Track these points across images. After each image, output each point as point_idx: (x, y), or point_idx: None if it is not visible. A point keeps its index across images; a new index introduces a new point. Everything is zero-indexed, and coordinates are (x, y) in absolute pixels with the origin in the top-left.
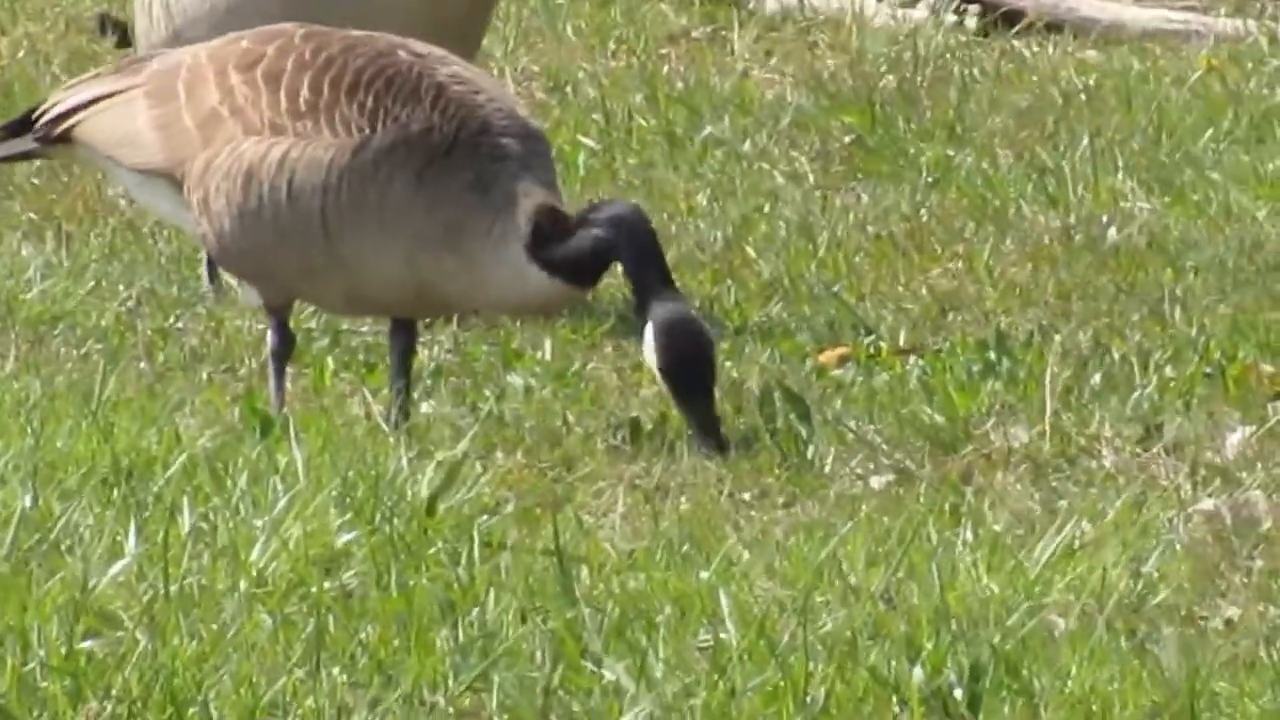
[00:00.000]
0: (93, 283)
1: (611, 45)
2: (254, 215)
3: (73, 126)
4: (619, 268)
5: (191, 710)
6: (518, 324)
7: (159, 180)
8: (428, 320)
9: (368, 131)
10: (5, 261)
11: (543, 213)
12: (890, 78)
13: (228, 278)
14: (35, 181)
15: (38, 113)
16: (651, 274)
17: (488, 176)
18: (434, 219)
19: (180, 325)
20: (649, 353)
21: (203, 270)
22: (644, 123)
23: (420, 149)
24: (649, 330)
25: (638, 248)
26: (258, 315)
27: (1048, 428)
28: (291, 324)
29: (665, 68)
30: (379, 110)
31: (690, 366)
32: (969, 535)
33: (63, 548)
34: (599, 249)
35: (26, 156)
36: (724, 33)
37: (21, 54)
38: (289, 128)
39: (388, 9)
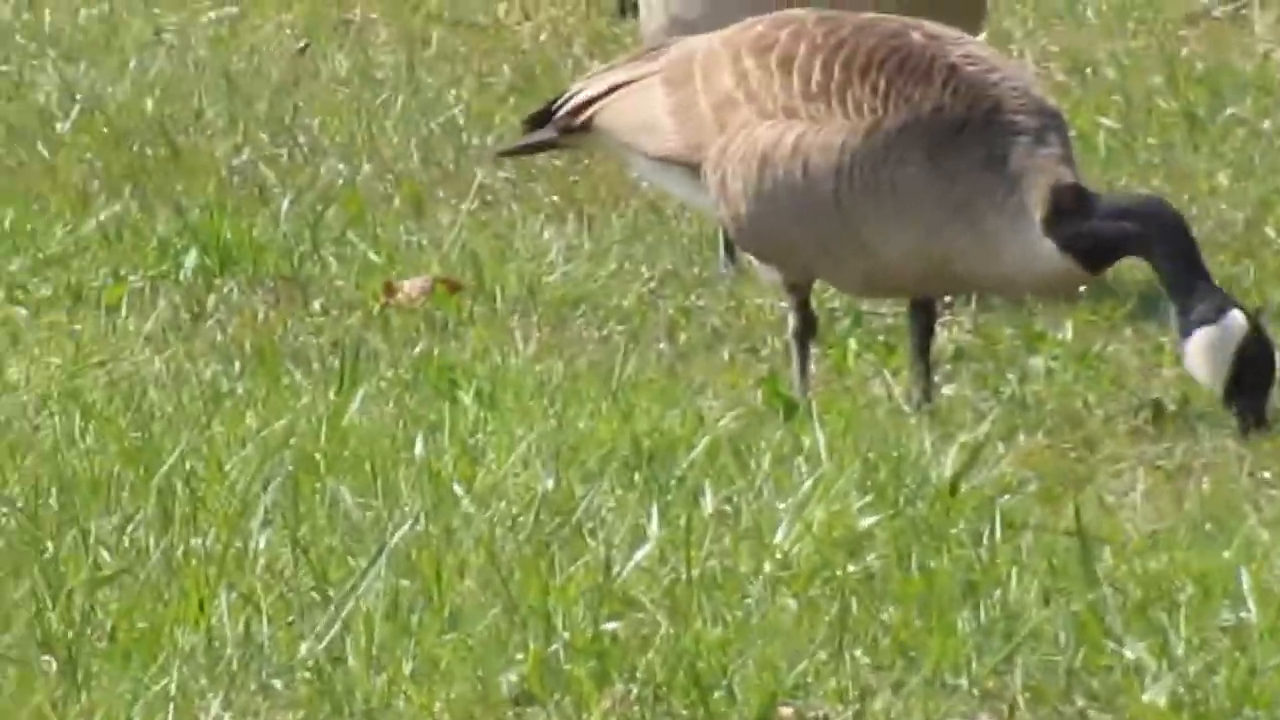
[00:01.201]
0: (615, 264)
1: (1131, 26)
2: (770, 199)
3: (592, 115)
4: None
5: (716, 694)
6: (1039, 306)
7: (676, 166)
8: (948, 300)
9: (880, 113)
10: (528, 244)
11: (1062, 190)
12: None
13: (747, 257)
14: (557, 164)
15: (558, 103)
16: (1194, 273)
17: (1001, 152)
18: (948, 198)
19: (701, 305)
20: (1200, 355)
21: (721, 250)
22: (1164, 104)
23: (932, 128)
24: (1203, 334)
25: (1176, 245)
26: (779, 295)
27: None
28: (813, 304)
29: (1185, 49)
30: (891, 91)
31: (1255, 370)
32: None
33: (585, 530)
34: (1123, 239)
35: (549, 147)
36: (1244, 12)
37: (544, 38)
38: (802, 110)
39: None
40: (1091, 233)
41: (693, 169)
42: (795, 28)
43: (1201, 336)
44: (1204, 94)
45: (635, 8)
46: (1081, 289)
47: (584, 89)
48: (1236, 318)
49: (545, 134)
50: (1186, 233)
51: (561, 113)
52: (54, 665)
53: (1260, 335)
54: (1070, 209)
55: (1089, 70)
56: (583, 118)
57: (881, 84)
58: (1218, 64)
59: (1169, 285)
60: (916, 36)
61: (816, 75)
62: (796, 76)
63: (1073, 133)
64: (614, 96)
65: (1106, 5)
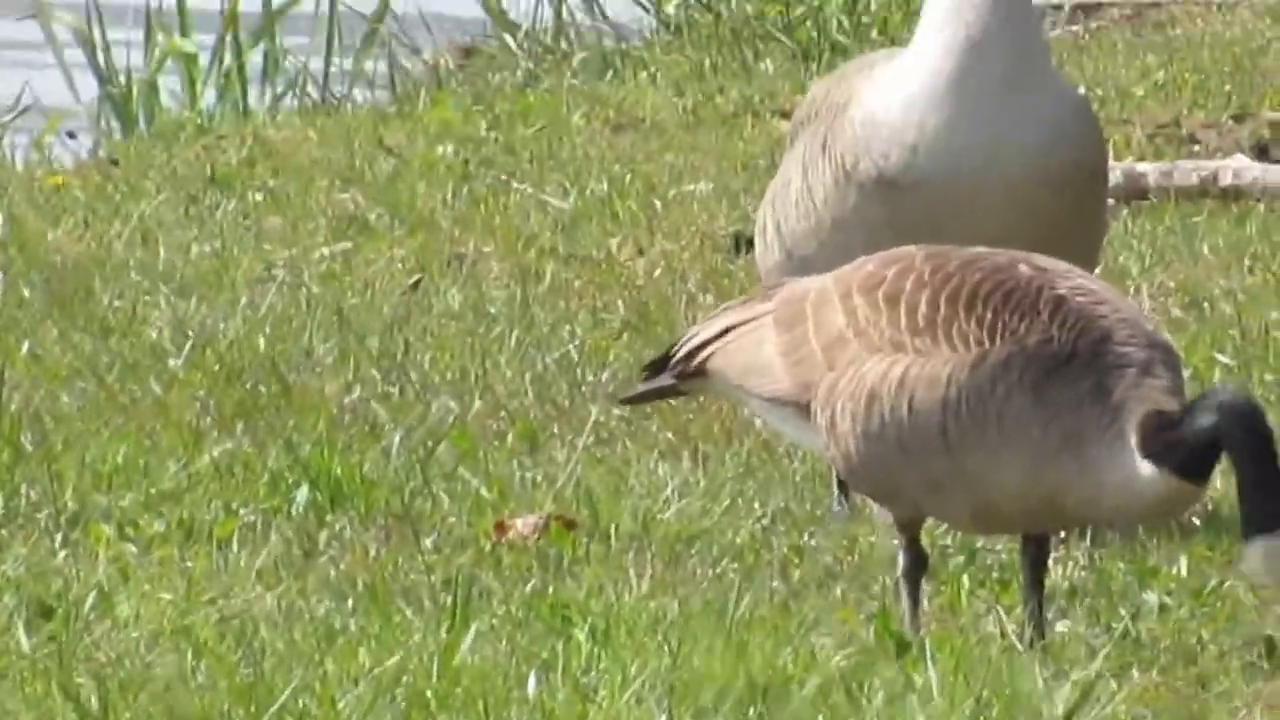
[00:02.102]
0: (728, 501)
1: (1248, 261)
2: (877, 434)
3: (706, 359)
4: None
5: None
6: (1154, 541)
7: (788, 406)
8: (1062, 535)
9: (985, 345)
10: (643, 480)
11: (1156, 414)
12: None
13: (860, 496)
14: (672, 402)
15: (675, 348)
16: (1263, 469)
17: (1108, 384)
18: (1053, 430)
19: (814, 543)
20: (1260, 564)
21: (834, 488)
22: (1279, 337)
23: (1038, 361)
24: (1262, 543)
25: (1246, 436)
26: (890, 532)
27: None
28: (925, 541)
29: None
30: (997, 324)
31: None
32: None
33: None
34: (1206, 438)
35: (668, 394)
36: None
37: (658, 273)
38: (908, 344)
39: (974, 213)
40: (1181, 443)
41: (804, 409)
42: (904, 264)
43: (1260, 545)
44: None
45: (750, 244)
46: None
47: (697, 333)
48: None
49: (663, 380)
50: (1262, 427)
51: (676, 358)
52: None
53: None
54: (1160, 429)
55: (1205, 305)
56: (697, 362)
57: (988, 317)
58: None
59: (1239, 481)
60: (1024, 269)
61: (923, 309)
62: (903, 311)
63: (1187, 370)
64: (727, 339)
65: (1223, 241)
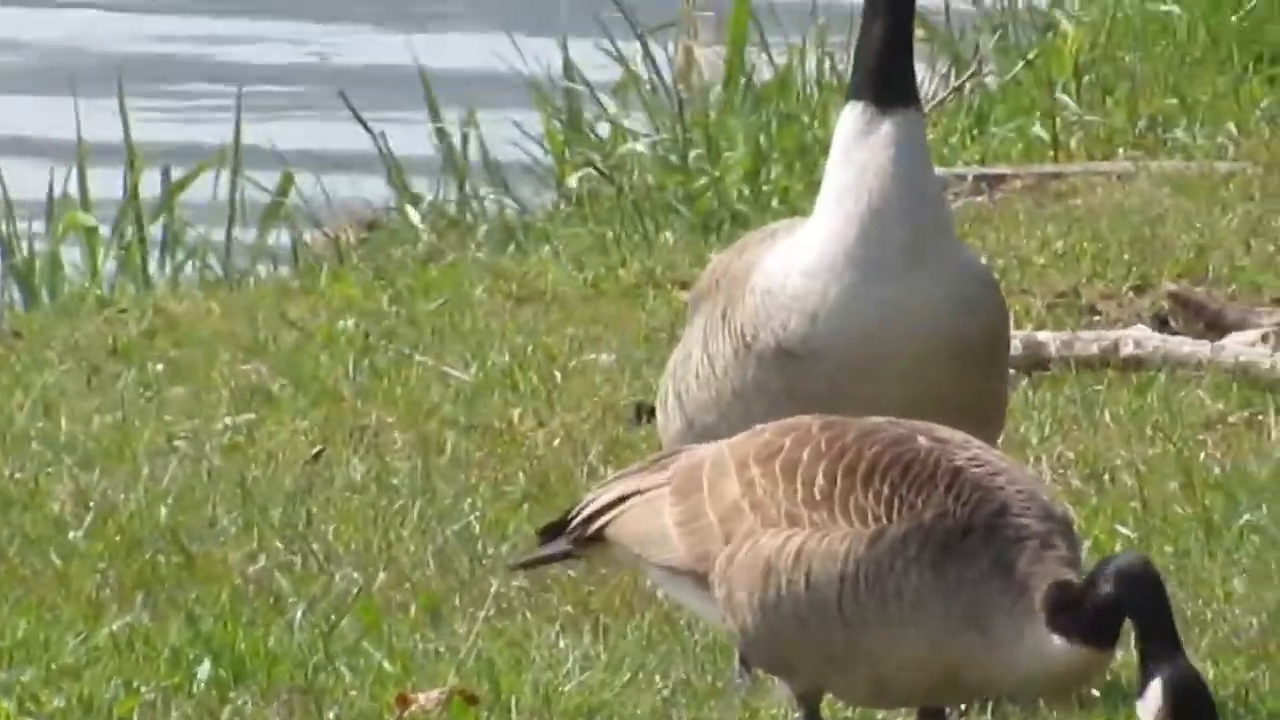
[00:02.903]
0: (630, 674)
1: (1149, 432)
2: (774, 608)
3: (604, 526)
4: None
5: None
6: (1053, 712)
7: (685, 577)
8: (962, 707)
9: (883, 520)
10: (544, 653)
11: (1060, 585)
12: None
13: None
14: (572, 574)
15: (571, 514)
16: (1158, 629)
17: (1007, 558)
18: (955, 606)
19: (716, 716)
20: (1148, 711)
21: (735, 661)
22: (1180, 510)
23: (935, 536)
24: (1155, 687)
25: (1144, 600)
26: (791, 705)
27: None
28: (825, 713)
29: (1202, 454)
30: (894, 498)
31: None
32: None
33: None
34: (1108, 604)
35: (564, 557)
36: (1260, 417)
37: (559, 443)
38: (805, 518)
39: (874, 383)
40: (1086, 612)
41: (701, 579)
42: (800, 434)
43: (1154, 689)
44: (1220, 499)
45: (651, 413)
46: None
47: (594, 499)
48: (1176, 676)
49: (559, 546)
50: (1160, 591)
51: (574, 524)
52: None
53: (1205, 695)
54: (1065, 600)
55: (1106, 477)
56: (594, 528)
57: (885, 491)
58: (1234, 469)
59: (1137, 640)
60: (922, 441)
61: (820, 482)
62: (800, 483)
63: (1088, 541)
64: (624, 506)
65: (1124, 411)
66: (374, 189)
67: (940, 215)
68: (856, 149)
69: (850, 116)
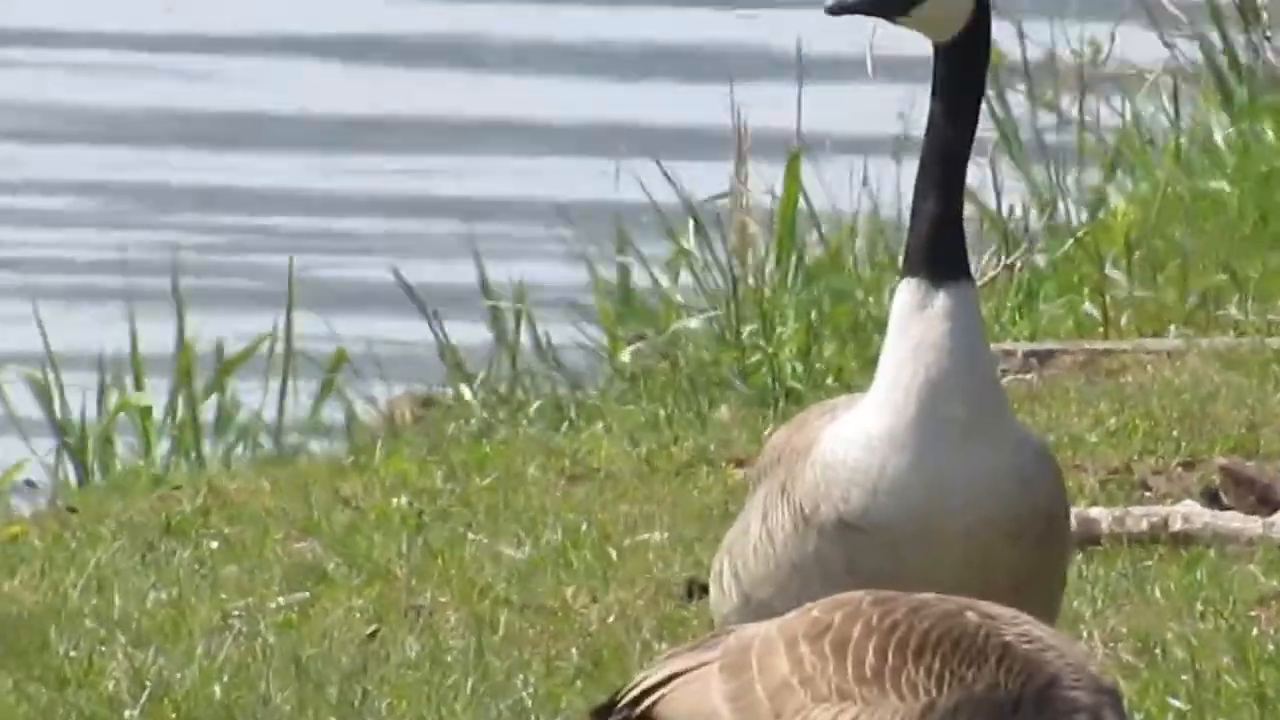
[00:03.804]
0: None
1: (1200, 607)
2: None
3: (653, 705)
4: None
5: None
6: None
7: None
8: None
9: (933, 694)
10: None
11: None
12: None
13: None
14: None
15: (622, 693)
16: None
17: None
18: None
19: None
20: None
21: None
22: (1233, 683)
23: (985, 709)
24: None
25: None
26: None
27: None
28: None
29: (1255, 629)
30: (945, 672)
31: None
32: None
33: None
34: None
35: None
36: None
37: (611, 620)
38: (855, 693)
39: (934, 557)
40: None
41: None
42: (849, 610)
43: None
44: (1274, 674)
45: (704, 590)
46: None
47: (645, 678)
48: None
49: None
50: None
51: (623, 703)
52: None
53: None
54: None
55: (1158, 650)
56: (643, 707)
57: (935, 665)
58: None
59: None
60: (971, 616)
61: (870, 658)
62: (850, 660)
63: (1140, 714)
64: (673, 685)
65: (1175, 586)
66: (426, 359)
67: (996, 389)
68: (912, 324)
69: (905, 292)
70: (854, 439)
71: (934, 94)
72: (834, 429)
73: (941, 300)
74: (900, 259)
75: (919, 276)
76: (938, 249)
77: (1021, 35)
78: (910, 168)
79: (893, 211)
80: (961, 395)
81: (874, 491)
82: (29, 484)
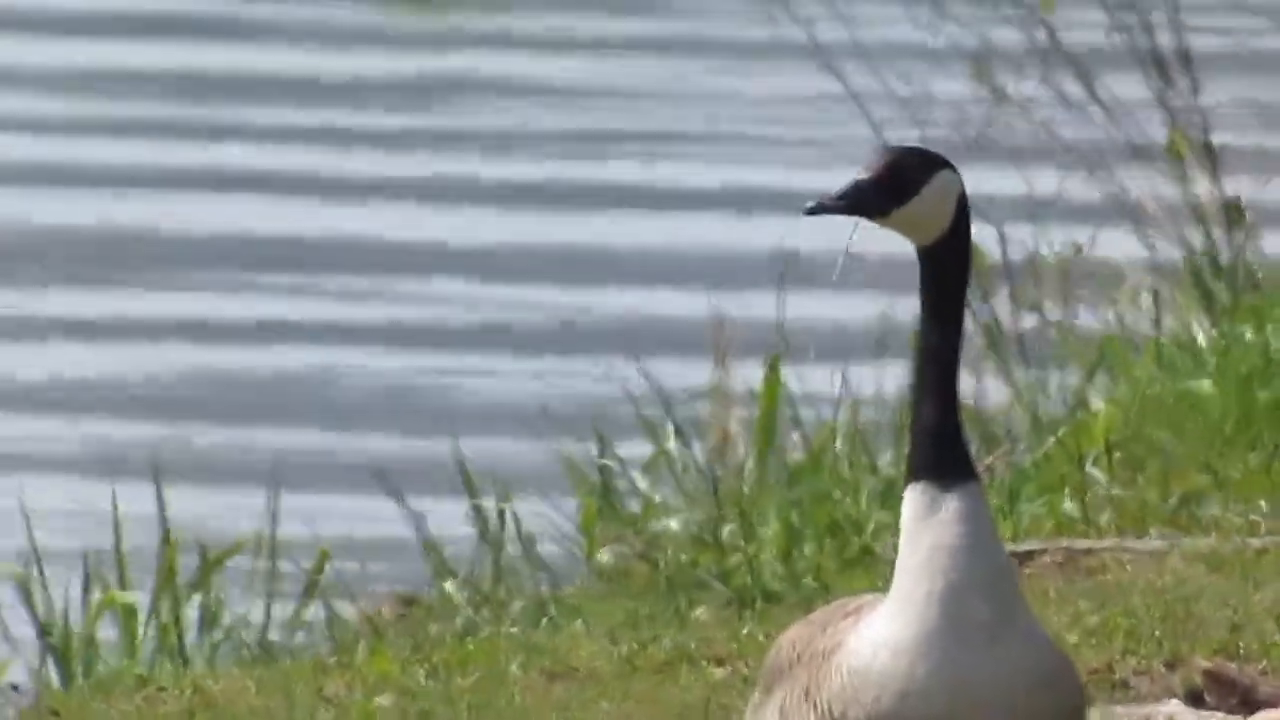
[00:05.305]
0: None
1: None
2: None
3: None
4: None
5: None
6: None
7: None
8: None
9: None
10: None
11: None
12: None
13: None
14: None
15: None
16: None
17: None
18: None
19: None
20: None
21: None
22: None
23: None
24: None
25: None
26: None
27: None
28: None
29: None
30: None
31: None
32: None
33: None
34: None
35: None
36: None
37: None
38: None
39: None
40: None
41: None
42: None
43: None
44: None
45: None
46: None
47: None
48: None
49: None
50: None
51: None
52: None
53: None
54: None
55: None
56: None
57: None
58: None
59: None
60: None
61: None
62: None
63: None
64: None
65: None
66: (409, 565)
67: (1014, 588)
68: (926, 529)
69: (913, 497)
70: (881, 643)
71: (921, 297)
72: (859, 632)
73: (952, 503)
74: (876, 460)
75: (925, 480)
76: (941, 452)
77: (1003, 238)
78: (893, 368)
79: (875, 412)
80: (982, 597)
81: (903, 695)
82: (13, 688)
